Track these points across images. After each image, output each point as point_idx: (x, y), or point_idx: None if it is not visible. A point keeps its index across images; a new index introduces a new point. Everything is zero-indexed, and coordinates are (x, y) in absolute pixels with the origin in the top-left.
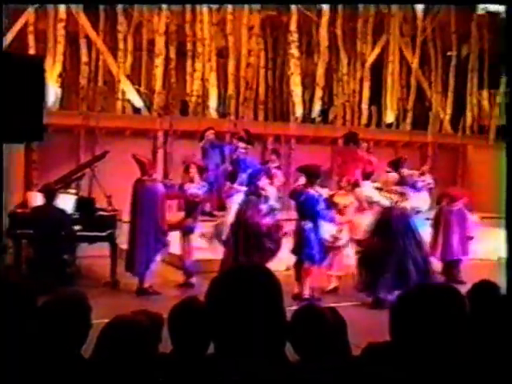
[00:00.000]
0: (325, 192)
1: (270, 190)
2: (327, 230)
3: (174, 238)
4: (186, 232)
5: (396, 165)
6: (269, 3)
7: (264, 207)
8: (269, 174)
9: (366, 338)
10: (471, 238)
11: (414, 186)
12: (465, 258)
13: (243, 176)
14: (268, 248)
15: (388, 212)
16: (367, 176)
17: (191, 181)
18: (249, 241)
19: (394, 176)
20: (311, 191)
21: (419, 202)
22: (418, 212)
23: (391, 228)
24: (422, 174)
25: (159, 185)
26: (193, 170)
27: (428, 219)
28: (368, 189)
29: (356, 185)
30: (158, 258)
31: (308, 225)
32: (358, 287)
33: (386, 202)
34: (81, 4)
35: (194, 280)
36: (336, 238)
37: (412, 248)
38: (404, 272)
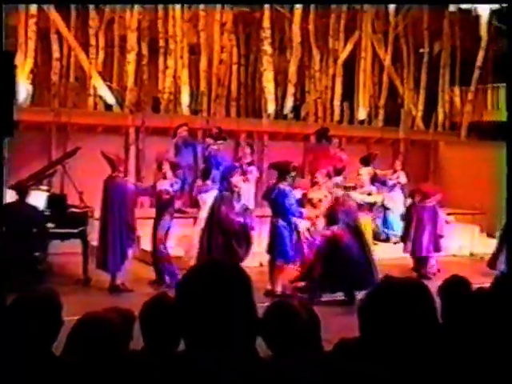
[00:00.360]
0: (298, 192)
1: (246, 187)
2: (304, 225)
3: (147, 234)
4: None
5: (367, 161)
6: (241, 3)
7: (237, 205)
8: (242, 169)
9: (338, 334)
10: (442, 236)
11: (384, 183)
12: (436, 255)
13: (215, 172)
14: (236, 251)
15: (334, 207)
16: (338, 172)
17: (164, 177)
18: (224, 236)
19: (368, 170)
20: (282, 186)
21: (390, 202)
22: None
23: (337, 223)
24: (395, 171)
25: (129, 182)
26: (166, 167)
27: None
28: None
29: (329, 176)
30: (130, 254)
31: (280, 222)
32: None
33: (357, 197)
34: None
35: (166, 277)
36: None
37: (357, 245)
38: (347, 272)
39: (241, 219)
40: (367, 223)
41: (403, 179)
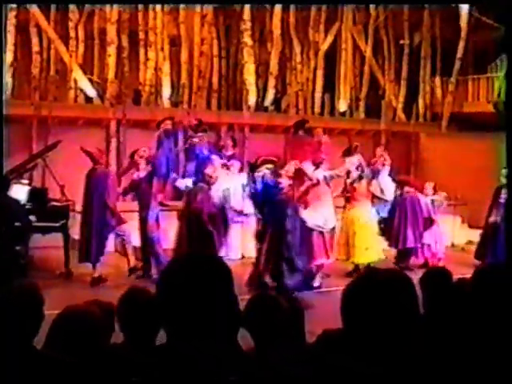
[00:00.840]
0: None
1: (234, 181)
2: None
3: (134, 228)
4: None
5: (349, 152)
6: (224, 3)
7: (215, 197)
8: (222, 158)
9: (322, 325)
10: (432, 221)
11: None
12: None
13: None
14: (212, 237)
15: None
16: (317, 165)
17: (137, 169)
18: (201, 224)
19: (357, 157)
20: (255, 175)
21: (376, 189)
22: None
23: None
24: (381, 156)
25: (110, 169)
26: (138, 157)
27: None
28: (321, 173)
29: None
30: (111, 240)
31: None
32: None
33: (323, 174)
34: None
35: (153, 269)
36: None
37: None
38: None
39: (218, 201)
40: (364, 211)
41: (388, 160)
